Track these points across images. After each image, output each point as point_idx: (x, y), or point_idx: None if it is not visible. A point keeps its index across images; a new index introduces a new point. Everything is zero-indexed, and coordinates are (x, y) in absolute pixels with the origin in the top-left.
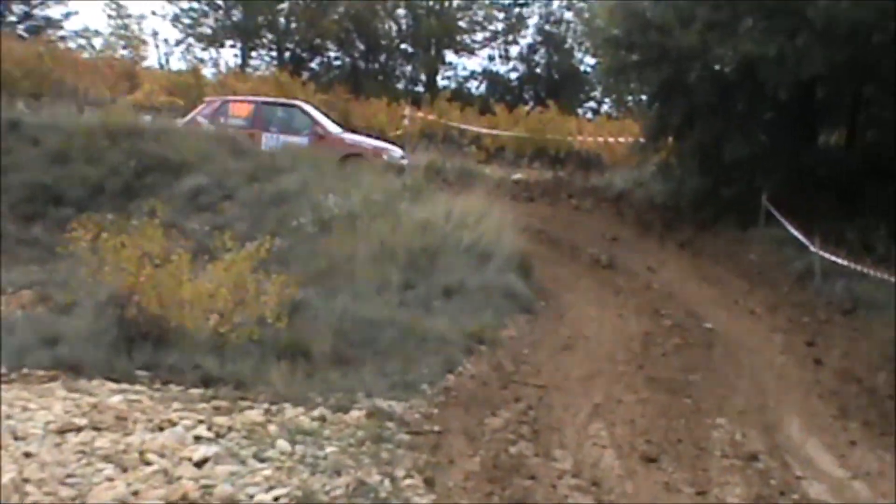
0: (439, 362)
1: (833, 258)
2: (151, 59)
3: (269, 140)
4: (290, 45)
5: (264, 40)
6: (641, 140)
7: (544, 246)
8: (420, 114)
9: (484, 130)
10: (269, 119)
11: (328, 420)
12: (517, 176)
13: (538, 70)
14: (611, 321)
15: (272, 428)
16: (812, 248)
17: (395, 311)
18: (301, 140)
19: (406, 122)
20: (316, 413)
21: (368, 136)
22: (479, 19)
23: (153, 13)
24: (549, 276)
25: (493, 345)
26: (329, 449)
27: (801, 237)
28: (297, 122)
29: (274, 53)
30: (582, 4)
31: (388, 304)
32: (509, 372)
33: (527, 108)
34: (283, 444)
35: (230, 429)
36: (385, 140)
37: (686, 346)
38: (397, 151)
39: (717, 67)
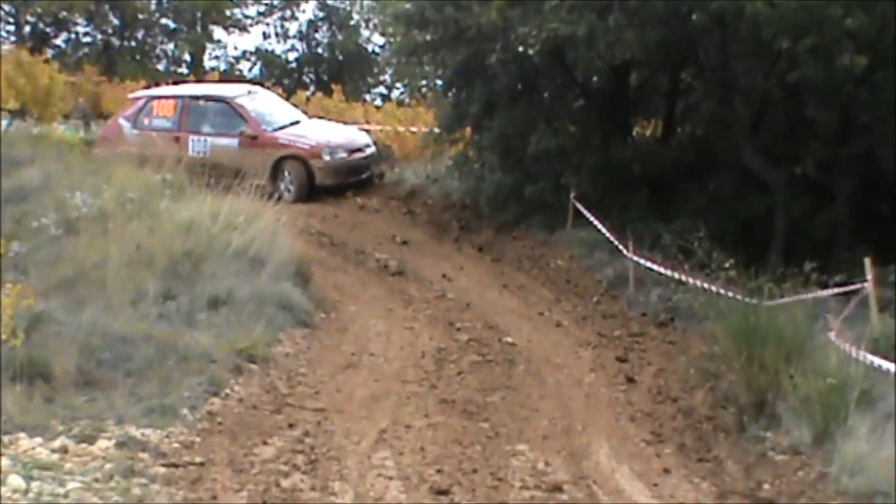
0: (203, 384)
1: (648, 264)
2: None
3: (195, 145)
4: (32, 19)
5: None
6: (436, 130)
7: (325, 250)
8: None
9: None
10: (197, 118)
11: (71, 451)
12: None
13: (320, 50)
14: (400, 335)
15: (4, 462)
16: (625, 253)
17: (152, 325)
18: (230, 143)
19: None
20: (56, 444)
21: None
22: None
23: None
24: (330, 284)
25: (266, 363)
26: (71, 485)
27: (613, 240)
28: (227, 121)
29: (12, 28)
30: None
31: (145, 318)
32: (283, 394)
33: (307, 93)
34: (16, 480)
35: None
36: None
37: (484, 363)
38: (356, 144)
39: (520, 49)
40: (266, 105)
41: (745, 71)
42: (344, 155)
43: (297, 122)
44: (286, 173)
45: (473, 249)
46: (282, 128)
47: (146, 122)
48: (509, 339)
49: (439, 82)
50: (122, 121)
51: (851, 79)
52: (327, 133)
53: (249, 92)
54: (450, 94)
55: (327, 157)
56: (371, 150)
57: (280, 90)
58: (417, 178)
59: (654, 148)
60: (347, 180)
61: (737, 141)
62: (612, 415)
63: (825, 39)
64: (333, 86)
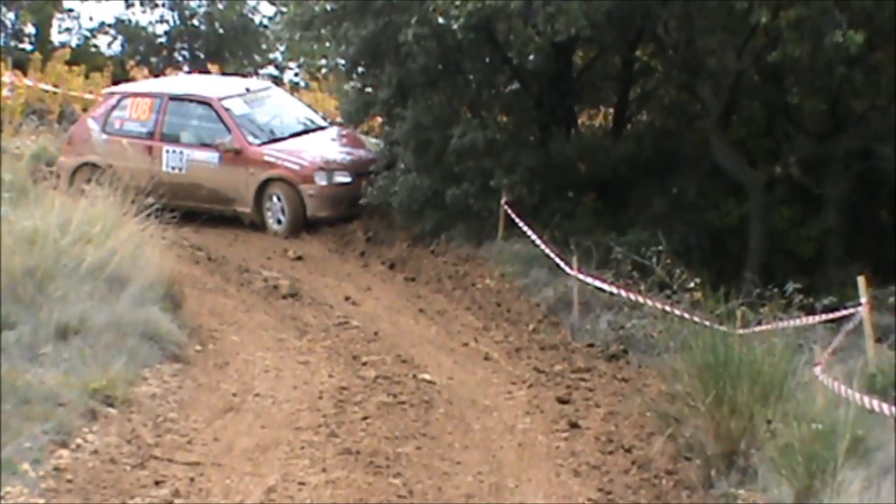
0: (49, 432)
1: (596, 284)
2: None
3: (170, 158)
4: None
5: None
6: (338, 120)
7: (201, 267)
8: (27, 81)
9: None
10: (175, 124)
11: None
12: None
13: (195, 22)
14: (293, 372)
15: None
16: (568, 271)
17: None
18: (209, 157)
19: (6, 92)
20: None
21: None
22: None
23: None
24: (207, 308)
25: (127, 406)
26: None
27: (552, 255)
28: (209, 129)
29: None
30: None
31: None
32: (149, 444)
33: (180, 73)
34: None
35: None
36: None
37: (396, 405)
38: (366, 164)
39: (440, 22)
40: (268, 109)
41: (714, 49)
42: (347, 179)
43: (308, 132)
44: (274, 199)
45: (383, 266)
46: (277, 140)
47: (117, 124)
48: (426, 376)
49: (342, 62)
50: (90, 121)
51: (844, 59)
52: (332, 148)
53: (248, 90)
54: (354, 77)
55: (322, 182)
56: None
57: (146, 70)
58: None
59: (604, 143)
60: (353, 210)
61: (704, 134)
62: (551, 468)
63: (812, 11)
64: (212, 65)
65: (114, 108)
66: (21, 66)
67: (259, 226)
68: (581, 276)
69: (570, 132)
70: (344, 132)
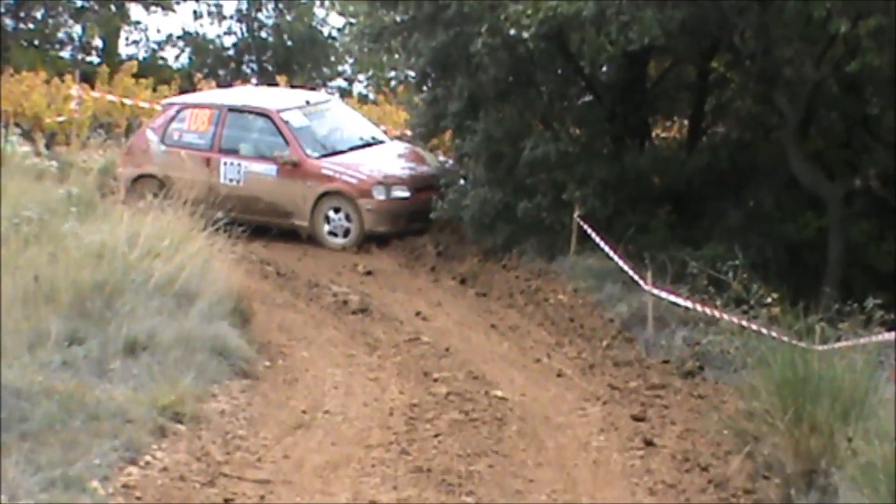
0: (118, 449)
1: (671, 298)
2: None
3: (227, 171)
4: None
5: None
6: (408, 133)
7: (270, 282)
8: (94, 93)
9: None
10: (234, 135)
11: None
12: None
13: (263, 34)
14: (363, 388)
15: None
16: (643, 285)
17: (53, 375)
18: (267, 170)
19: (74, 105)
20: None
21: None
22: None
23: None
24: (276, 324)
25: (196, 423)
26: None
27: (627, 269)
28: (268, 141)
29: None
30: None
31: (45, 367)
32: (218, 461)
33: (249, 86)
34: None
35: None
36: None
37: (468, 422)
38: (426, 177)
39: (512, 32)
40: (327, 121)
41: (791, 59)
42: (405, 194)
43: (368, 146)
44: (331, 213)
45: (454, 281)
46: (336, 153)
47: (176, 136)
48: (498, 393)
49: (411, 74)
50: (149, 132)
51: None
52: (391, 162)
53: (308, 103)
54: (425, 89)
55: (380, 196)
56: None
57: (214, 83)
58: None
59: (678, 155)
60: (412, 226)
61: (781, 146)
62: (626, 487)
63: (892, 20)
64: (280, 78)
65: (172, 119)
66: (88, 79)
67: (316, 239)
68: (655, 291)
69: (643, 144)
70: (404, 146)
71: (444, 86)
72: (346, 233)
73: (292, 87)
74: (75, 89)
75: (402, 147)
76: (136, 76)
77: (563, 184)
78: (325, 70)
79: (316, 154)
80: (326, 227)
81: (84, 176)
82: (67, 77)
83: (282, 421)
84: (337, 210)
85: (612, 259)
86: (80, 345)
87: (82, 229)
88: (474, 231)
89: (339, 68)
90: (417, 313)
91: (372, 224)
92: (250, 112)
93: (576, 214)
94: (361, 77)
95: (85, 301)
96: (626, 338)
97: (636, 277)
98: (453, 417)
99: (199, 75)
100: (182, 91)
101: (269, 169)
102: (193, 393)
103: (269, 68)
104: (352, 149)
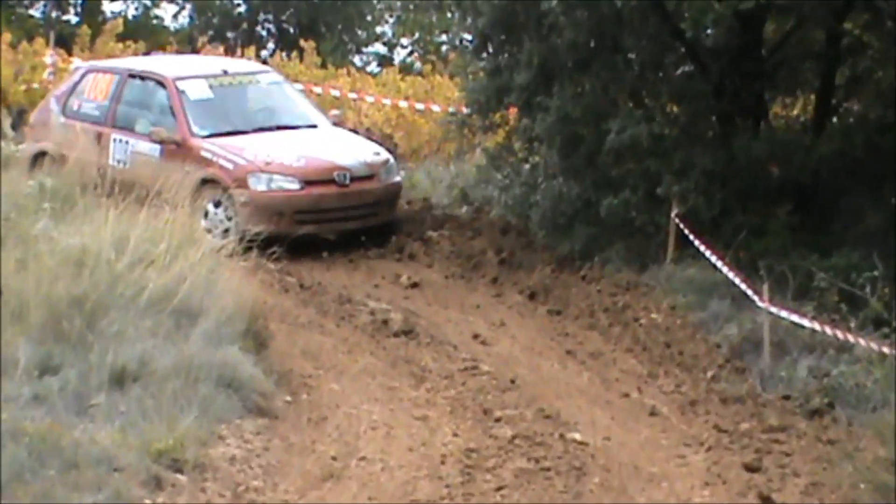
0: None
1: (792, 318)
2: None
3: (116, 150)
4: None
5: None
6: (463, 111)
7: (292, 296)
8: (73, 60)
9: None
10: (131, 108)
11: None
12: None
13: None
14: (408, 430)
15: None
16: (757, 302)
17: (22, 412)
18: (151, 150)
19: (48, 74)
20: None
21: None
22: None
23: None
24: (299, 349)
25: (199, 472)
26: None
27: (738, 282)
28: (159, 115)
29: None
30: None
31: (12, 401)
32: None
33: (263, 53)
34: None
35: None
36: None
37: (538, 472)
38: (338, 166)
39: None
40: (245, 97)
41: None
42: (292, 185)
43: (288, 128)
44: (210, 208)
45: (521, 296)
46: (233, 133)
47: (76, 106)
48: (576, 436)
49: (468, 38)
50: (52, 102)
51: None
52: (297, 149)
53: (226, 72)
54: (484, 56)
55: (258, 186)
56: (389, 177)
57: (221, 48)
58: (434, 184)
59: (803, 139)
60: (300, 227)
61: None
62: None
63: None
64: (304, 42)
65: (76, 85)
66: (65, 42)
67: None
68: (773, 310)
69: (758, 125)
70: (349, 134)
71: (508, 52)
72: (227, 233)
73: (318, 52)
74: (49, 55)
75: (341, 135)
76: (123, 38)
77: (658, 175)
78: (360, 32)
79: (204, 133)
80: (203, 224)
81: (60, 164)
82: (38, 40)
83: (306, 470)
84: (218, 204)
85: (718, 269)
86: (55, 374)
87: (58, 230)
88: (546, 234)
89: (378, 30)
90: (475, 336)
91: (245, 221)
92: (148, 79)
93: (673, 213)
94: (405, 41)
95: (61, 320)
96: (736, 367)
97: (749, 292)
98: (520, 466)
99: (202, 39)
100: None
101: (153, 149)
102: (196, 435)
103: (290, 31)
104: (258, 130)
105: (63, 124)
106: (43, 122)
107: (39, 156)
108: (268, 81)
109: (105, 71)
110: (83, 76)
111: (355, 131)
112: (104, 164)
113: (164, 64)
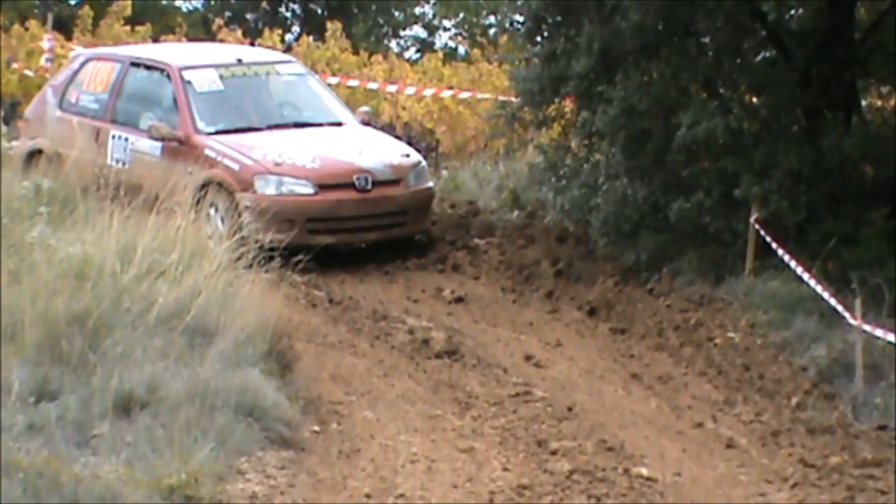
0: None
1: (890, 337)
2: None
3: (115, 147)
4: None
5: None
6: (514, 102)
7: (320, 313)
8: (73, 46)
9: None
10: (133, 101)
11: None
12: None
13: None
14: (452, 464)
15: None
16: (850, 320)
17: (16, 444)
18: (152, 148)
19: (46, 61)
20: None
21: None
22: None
23: None
24: (328, 372)
25: None
26: None
27: (827, 297)
28: (163, 110)
29: None
30: None
31: (5, 432)
32: None
33: (288, 37)
34: None
35: None
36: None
37: None
38: (358, 169)
39: None
40: (261, 90)
41: None
42: (306, 190)
43: (308, 126)
44: (212, 213)
45: (580, 312)
46: (243, 130)
47: (73, 98)
48: (643, 471)
49: (519, 19)
50: (49, 93)
51: None
52: (316, 149)
53: (240, 61)
54: (538, 41)
55: (267, 190)
56: (419, 182)
57: (239, 32)
58: (481, 186)
59: None
60: (313, 237)
61: None
62: None
63: None
64: (331, 24)
65: (74, 75)
66: (64, 25)
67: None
68: (867, 328)
69: (850, 119)
70: (377, 134)
71: (566, 36)
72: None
73: (348, 36)
74: (46, 39)
75: (367, 134)
76: (129, 22)
77: (736, 175)
78: (397, 14)
79: (210, 129)
80: (207, 227)
81: (59, 163)
82: (33, 23)
83: None
84: (216, 206)
85: (804, 282)
86: (53, 401)
87: (56, 238)
88: (608, 242)
89: (417, 11)
90: (528, 358)
91: (254, 225)
92: (152, 68)
93: (753, 219)
94: (448, 24)
95: (60, 340)
96: (824, 394)
97: (840, 308)
98: None
99: (218, 21)
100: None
101: (153, 147)
102: (212, 469)
103: (318, 12)
104: (273, 127)
105: (58, 118)
106: (39, 115)
107: (35, 153)
108: (288, 72)
109: (106, 59)
110: (83, 65)
111: (392, 126)
112: (103, 164)
113: (171, 52)
